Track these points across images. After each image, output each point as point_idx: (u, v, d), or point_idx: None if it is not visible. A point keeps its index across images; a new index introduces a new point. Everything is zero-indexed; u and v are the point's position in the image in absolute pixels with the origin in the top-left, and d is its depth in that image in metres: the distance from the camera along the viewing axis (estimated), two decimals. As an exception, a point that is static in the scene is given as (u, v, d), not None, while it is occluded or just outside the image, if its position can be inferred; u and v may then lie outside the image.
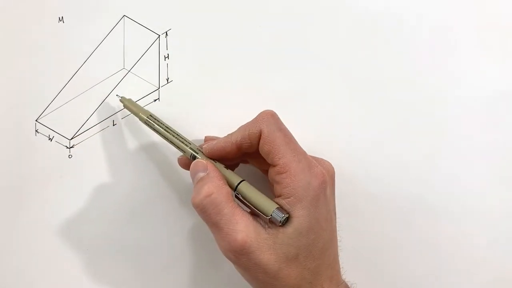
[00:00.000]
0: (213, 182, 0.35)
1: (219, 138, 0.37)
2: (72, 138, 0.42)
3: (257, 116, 0.36)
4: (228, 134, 0.37)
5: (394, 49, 0.43)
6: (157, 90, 0.42)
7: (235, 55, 0.42)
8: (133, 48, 0.42)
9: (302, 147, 0.36)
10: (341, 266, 0.37)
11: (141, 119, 0.39)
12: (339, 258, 0.37)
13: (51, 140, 0.42)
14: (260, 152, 0.35)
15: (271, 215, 0.34)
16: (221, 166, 0.37)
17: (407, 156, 0.43)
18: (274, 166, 0.34)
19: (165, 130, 0.38)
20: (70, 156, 0.42)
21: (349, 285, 0.36)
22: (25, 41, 0.42)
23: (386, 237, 0.43)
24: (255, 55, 0.42)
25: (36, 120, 0.42)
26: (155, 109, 0.42)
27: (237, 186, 0.36)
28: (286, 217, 0.34)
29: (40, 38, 0.42)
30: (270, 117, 0.35)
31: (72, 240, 0.42)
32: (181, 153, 0.38)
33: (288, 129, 0.36)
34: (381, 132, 0.43)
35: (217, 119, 0.42)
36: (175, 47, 0.42)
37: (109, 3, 0.42)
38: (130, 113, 0.42)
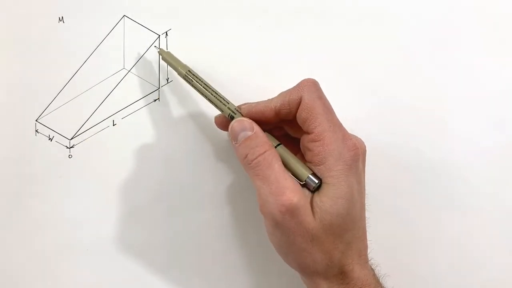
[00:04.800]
0: (264, 141, 0.35)
1: (258, 102, 0.37)
2: (72, 138, 0.42)
3: (299, 83, 0.36)
4: (268, 99, 0.37)
5: (394, 48, 0.43)
6: (157, 90, 0.42)
7: (235, 55, 0.42)
8: (133, 48, 0.42)
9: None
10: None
11: (179, 74, 0.39)
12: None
13: (51, 140, 0.42)
14: (297, 118, 0.35)
15: (305, 180, 0.34)
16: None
17: (407, 155, 0.43)
18: (309, 133, 0.35)
19: (204, 87, 0.38)
20: (70, 156, 0.42)
21: (374, 266, 0.37)
22: (25, 41, 0.41)
23: (386, 237, 0.43)
24: (255, 55, 0.42)
25: (36, 120, 0.42)
26: (155, 109, 0.42)
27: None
28: (319, 184, 0.34)
29: (40, 38, 0.42)
30: (311, 85, 0.35)
31: (72, 240, 0.42)
32: (218, 112, 0.38)
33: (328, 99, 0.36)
34: (381, 131, 0.43)
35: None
36: (175, 47, 0.42)
37: (109, 3, 0.42)
38: (130, 113, 0.42)
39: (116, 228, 0.42)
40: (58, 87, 0.42)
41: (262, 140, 0.35)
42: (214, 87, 0.38)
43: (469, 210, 0.43)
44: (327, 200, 0.33)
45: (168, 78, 0.42)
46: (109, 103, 0.42)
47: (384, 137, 0.43)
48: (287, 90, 0.36)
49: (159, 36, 0.42)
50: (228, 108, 0.37)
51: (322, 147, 0.34)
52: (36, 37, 0.42)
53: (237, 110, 0.37)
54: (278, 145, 0.36)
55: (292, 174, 0.35)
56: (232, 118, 0.37)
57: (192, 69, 0.39)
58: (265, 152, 0.34)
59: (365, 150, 0.37)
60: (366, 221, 0.37)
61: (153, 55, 0.42)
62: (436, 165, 0.43)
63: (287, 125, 0.38)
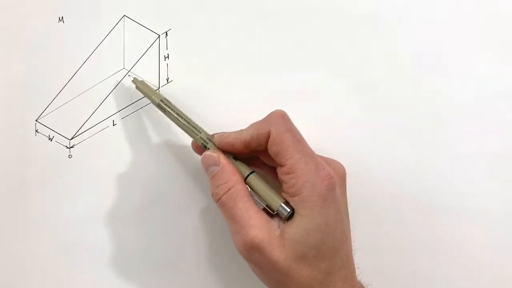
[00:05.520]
0: (229, 177, 0.35)
1: (230, 132, 0.37)
2: (72, 138, 0.42)
3: (267, 116, 0.36)
4: (239, 130, 0.37)
5: (394, 49, 0.43)
6: (157, 90, 0.42)
7: (235, 55, 0.42)
8: (133, 48, 0.42)
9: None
10: (356, 267, 0.36)
11: (153, 102, 0.39)
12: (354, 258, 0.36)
13: (51, 140, 0.42)
14: (269, 152, 0.35)
15: (277, 210, 0.35)
16: (230, 157, 0.37)
17: (407, 156, 0.43)
18: (282, 166, 0.35)
19: (176, 116, 0.38)
20: (70, 156, 0.42)
21: (365, 286, 0.36)
22: (25, 41, 0.41)
23: (386, 237, 0.43)
24: (255, 55, 0.42)
25: (36, 120, 0.42)
26: (155, 109, 0.42)
27: (246, 178, 0.36)
28: (291, 213, 0.34)
29: (40, 38, 0.42)
30: (279, 117, 0.35)
31: (72, 240, 0.42)
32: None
33: (298, 129, 0.36)
34: (381, 132, 0.43)
35: (217, 119, 0.42)
36: (175, 47, 0.42)
37: (109, 3, 0.42)
38: (130, 113, 0.42)
39: (116, 228, 0.42)
40: (58, 87, 0.42)
41: (227, 176, 0.35)
42: (186, 116, 0.38)
43: (468, 210, 0.43)
44: (301, 232, 0.33)
45: (168, 78, 0.42)
46: (109, 103, 0.42)
47: (384, 137, 0.43)
48: (256, 123, 0.36)
49: (159, 36, 0.42)
50: (200, 137, 0.37)
51: (295, 179, 0.34)
52: (36, 37, 0.42)
53: (209, 140, 0.37)
54: (251, 173, 0.36)
55: (265, 203, 0.35)
56: (205, 147, 0.37)
57: (166, 98, 0.39)
58: (229, 190, 0.35)
59: (344, 174, 0.37)
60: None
61: (153, 55, 0.42)
62: (436, 165, 0.43)
63: (261, 156, 0.38)
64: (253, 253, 0.34)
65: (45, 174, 0.41)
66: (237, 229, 0.34)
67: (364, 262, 0.42)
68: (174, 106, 0.39)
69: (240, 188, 0.35)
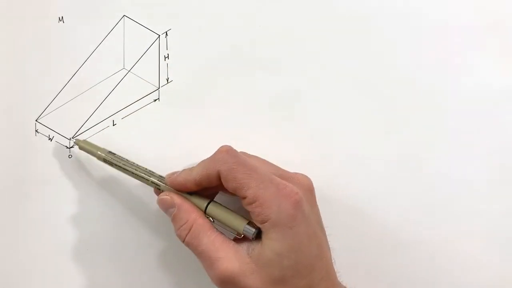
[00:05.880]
0: (187, 217, 0.35)
1: (180, 172, 0.37)
2: (72, 138, 0.42)
3: (213, 155, 0.35)
4: (189, 169, 0.36)
5: (393, 49, 0.43)
6: (157, 90, 0.42)
7: (235, 55, 0.42)
8: (133, 48, 0.42)
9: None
10: (337, 270, 0.36)
11: (99, 158, 0.39)
12: (336, 265, 0.36)
13: (51, 140, 0.42)
14: (227, 189, 0.35)
15: (242, 232, 0.35)
16: (184, 195, 0.37)
17: (407, 156, 0.43)
18: (243, 198, 0.34)
19: (123, 166, 0.38)
20: (70, 156, 0.42)
21: None
22: (25, 41, 0.41)
23: (385, 237, 0.43)
24: (255, 55, 0.42)
25: (36, 120, 0.42)
26: (155, 109, 0.42)
27: (205, 210, 0.36)
28: (257, 231, 0.34)
29: (40, 38, 0.42)
30: (225, 154, 0.35)
31: (72, 240, 0.42)
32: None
33: (250, 156, 0.36)
34: (381, 132, 0.43)
35: (217, 119, 0.42)
36: (175, 47, 0.42)
37: (109, 3, 0.42)
38: (130, 113, 0.42)
39: (116, 228, 0.42)
40: (58, 87, 0.42)
41: (185, 216, 0.35)
42: (133, 163, 0.39)
43: (468, 210, 0.43)
44: (274, 256, 0.33)
45: (168, 78, 0.42)
46: (109, 103, 0.42)
47: (383, 137, 0.43)
48: (204, 162, 0.36)
49: (159, 36, 0.42)
50: (152, 181, 0.38)
51: (260, 207, 0.33)
52: (36, 37, 0.42)
53: (160, 182, 0.37)
54: (209, 203, 0.36)
55: (230, 229, 0.35)
56: (159, 189, 0.38)
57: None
58: (190, 229, 0.35)
59: (310, 185, 0.36)
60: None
61: (153, 55, 0.42)
62: (436, 165, 0.43)
63: (218, 190, 0.38)
64: (228, 285, 0.34)
65: (45, 174, 0.41)
66: (208, 265, 0.34)
67: (363, 263, 0.43)
68: (121, 157, 0.39)
69: (200, 224, 0.35)
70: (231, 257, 0.34)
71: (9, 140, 0.41)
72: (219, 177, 0.35)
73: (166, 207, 0.37)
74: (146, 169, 0.38)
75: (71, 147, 0.42)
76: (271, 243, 0.33)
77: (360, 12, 0.42)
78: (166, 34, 0.42)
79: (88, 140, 0.41)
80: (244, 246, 0.35)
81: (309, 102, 0.42)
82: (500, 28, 0.43)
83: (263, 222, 0.34)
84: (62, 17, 0.42)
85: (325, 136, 0.42)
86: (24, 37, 0.42)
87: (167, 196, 0.37)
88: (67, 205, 0.42)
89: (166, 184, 0.37)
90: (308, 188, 0.36)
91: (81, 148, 0.40)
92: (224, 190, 0.36)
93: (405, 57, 0.43)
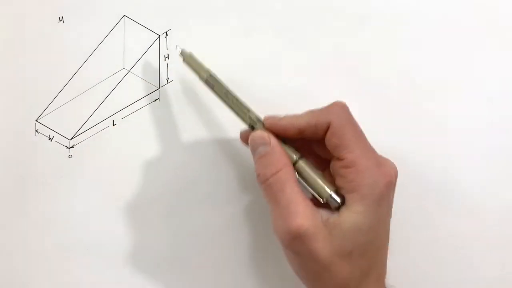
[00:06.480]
0: (279, 159, 0.34)
1: (284, 116, 0.35)
2: (72, 138, 0.42)
3: (328, 106, 0.34)
4: (294, 115, 0.35)
5: (394, 48, 0.43)
6: (157, 90, 0.42)
7: (235, 55, 0.42)
8: (133, 48, 0.42)
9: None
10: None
11: (200, 78, 0.37)
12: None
13: (51, 140, 0.42)
14: (327, 143, 0.34)
15: (326, 198, 0.33)
16: (279, 140, 0.35)
17: (407, 155, 0.43)
18: (340, 159, 0.33)
19: (225, 94, 0.36)
20: (70, 156, 0.42)
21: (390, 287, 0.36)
22: (25, 41, 0.42)
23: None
24: (255, 55, 0.42)
25: (36, 120, 0.42)
26: (155, 109, 0.42)
27: (295, 164, 0.34)
28: (341, 203, 0.33)
29: (40, 38, 0.42)
30: (340, 108, 0.34)
31: (72, 240, 0.42)
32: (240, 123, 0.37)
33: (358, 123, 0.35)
34: (381, 131, 0.43)
35: (217, 119, 0.42)
36: (174, 47, 0.42)
37: (109, 3, 0.42)
38: (130, 113, 0.42)
39: (116, 228, 0.42)
40: (58, 87, 0.42)
41: (276, 158, 0.34)
42: (235, 94, 0.37)
43: (468, 210, 0.43)
44: (353, 228, 0.32)
45: (168, 78, 0.42)
46: (109, 103, 0.42)
47: (383, 137, 0.43)
48: (314, 111, 0.34)
49: (159, 36, 0.42)
50: (249, 117, 0.36)
51: (355, 174, 0.32)
52: (36, 37, 0.42)
53: (258, 120, 0.36)
54: (299, 158, 0.35)
55: (313, 191, 0.34)
56: (252, 128, 0.36)
57: (214, 73, 0.37)
58: (277, 172, 0.33)
59: (396, 174, 0.35)
60: None
61: (153, 55, 0.42)
62: (436, 165, 0.43)
63: (314, 145, 0.37)
64: (295, 242, 0.32)
65: (45, 174, 0.41)
66: (282, 215, 0.32)
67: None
68: (223, 83, 0.37)
69: (289, 172, 0.33)
70: (309, 216, 0.32)
71: (9, 140, 0.41)
72: (326, 129, 0.33)
73: (259, 144, 0.34)
74: (244, 104, 0.36)
75: (71, 147, 0.42)
76: (354, 216, 0.32)
77: (360, 12, 0.42)
78: (166, 34, 0.42)
79: (188, 61, 0.38)
80: (322, 210, 0.33)
81: (310, 102, 0.42)
82: (501, 27, 0.43)
83: (352, 190, 0.32)
84: (62, 17, 0.42)
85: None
86: (24, 37, 0.42)
87: (265, 133, 0.35)
88: (67, 205, 0.42)
89: (263, 123, 0.35)
90: (396, 176, 0.35)
91: (184, 61, 0.38)
92: (320, 147, 0.35)
93: (405, 57, 0.43)
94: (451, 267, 0.43)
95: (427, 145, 0.43)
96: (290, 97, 0.42)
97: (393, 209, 0.43)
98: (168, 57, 0.42)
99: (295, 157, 0.35)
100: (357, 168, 0.32)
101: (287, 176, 0.33)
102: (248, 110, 0.36)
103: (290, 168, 0.34)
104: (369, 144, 0.34)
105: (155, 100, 0.42)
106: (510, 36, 0.43)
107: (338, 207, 0.33)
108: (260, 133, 0.35)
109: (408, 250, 0.43)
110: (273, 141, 0.34)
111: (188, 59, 0.37)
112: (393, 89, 0.43)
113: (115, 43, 0.42)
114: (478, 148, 0.43)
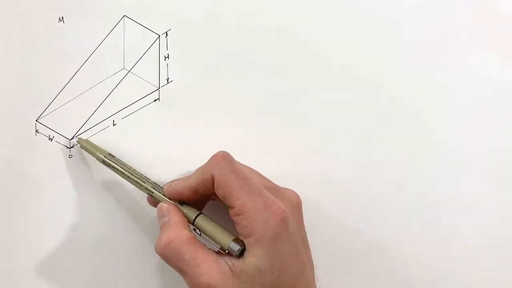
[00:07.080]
0: (172, 229, 0.35)
1: (179, 180, 0.37)
2: (72, 138, 0.42)
3: (209, 160, 0.36)
4: (186, 177, 0.37)
5: (394, 49, 0.43)
6: (157, 90, 0.42)
7: (235, 55, 0.42)
8: (133, 48, 0.42)
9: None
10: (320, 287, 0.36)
11: (98, 158, 0.40)
12: (318, 282, 0.36)
13: (51, 140, 0.42)
14: (217, 195, 0.35)
15: (227, 248, 0.34)
16: (176, 204, 0.37)
17: (407, 155, 0.43)
18: (231, 207, 0.34)
19: (122, 169, 0.39)
20: (70, 156, 0.42)
21: None
22: (25, 41, 0.41)
23: (385, 237, 0.43)
24: (255, 55, 0.42)
25: (36, 120, 0.42)
26: (155, 109, 0.42)
27: (194, 221, 0.36)
28: (242, 248, 0.34)
29: (40, 38, 0.42)
30: (221, 160, 0.35)
31: (72, 240, 0.42)
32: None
33: (244, 166, 0.36)
34: (381, 131, 0.43)
35: (217, 119, 0.42)
36: (175, 47, 0.42)
37: (109, 3, 0.42)
38: (130, 113, 0.42)
39: (116, 228, 0.42)
40: (58, 87, 0.42)
41: (170, 229, 0.35)
42: (132, 169, 0.39)
43: (468, 210, 0.43)
44: (256, 272, 0.33)
45: (168, 78, 0.42)
46: (109, 103, 0.42)
47: (383, 137, 0.43)
48: (200, 168, 0.36)
49: (159, 36, 0.42)
50: (145, 188, 0.38)
51: (246, 219, 0.33)
52: (36, 37, 0.42)
53: (154, 189, 0.38)
54: (197, 216, 0.36)
55: (216, 243, 0.35)
56: (151, 195, 0.38)
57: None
58: (170, 243, 0.34)
59: (298, 203, 0.37)
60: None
61: (153, 55, 0.42)
62: (436, 165, 0.43)
63: (213, 198, 0.38)
64: None
65: (45, 174, 0.41)
66: (190, 279, 0.34)
67: (362, 262, 0.43)
68: (120, 161, 0.39)
69: (182, 239, 0.35)
70: (213, 272, 0.33)
71: (9, 140, 0.41)
72: (213, 183, 0.35)
73: (161, 215, 0.37)
74: (142, 174, 0.39)
75: (71, 147, 0.42)
76: (254, 260, 0.33)
77: (360, 12, 0.42)
78: (166, 34, 0.42)
79: (90, 140, 0.41)
80: (227, 261, 0.34)
81: (310, 102, 0.42)
82: (501, 27, 0.43)
83: (247, 235, 0.34)
84: (62, 17, 0.42)
85: (325, 135, 0.42)
86: (24, 37, 0.42)
87: (165, 204, 0.37)
88: (67, 205, 0.42)
89: (161, 191, 0.38)
90: (296, 205, 0.36)
91: (82, 147, 0.40)
92: (217, 197, 0.36)
93: (405, 57, 0.43)
94: (451, 267, 0.43)
95: (427, 145, 0.43)
96: (289, 97, 0.42)
97: (392, 209, 0.43)
98: (168, 57, 0.42)
99: (193, 216, 0.36)
100: (247, 213, 0.34)
101: (182, 243, 0.34)
102: (145, 180, 0.38)
103: (184, 235, 0.35)
104: (256, 186, 0.35)
105: (155, 100, 0.42)
106: (510, 36, 0.43)
107: (242, 253, 0.34)
108: (159, 206, 0.37)
109: (408, 250, 0.43)
110: (171, 210, 0.36)
111: (84, 144, 0.40)
112: (393, 90, 0.43)
113: (115, 43, 0.42)
114: (478, 148, 0.43)
